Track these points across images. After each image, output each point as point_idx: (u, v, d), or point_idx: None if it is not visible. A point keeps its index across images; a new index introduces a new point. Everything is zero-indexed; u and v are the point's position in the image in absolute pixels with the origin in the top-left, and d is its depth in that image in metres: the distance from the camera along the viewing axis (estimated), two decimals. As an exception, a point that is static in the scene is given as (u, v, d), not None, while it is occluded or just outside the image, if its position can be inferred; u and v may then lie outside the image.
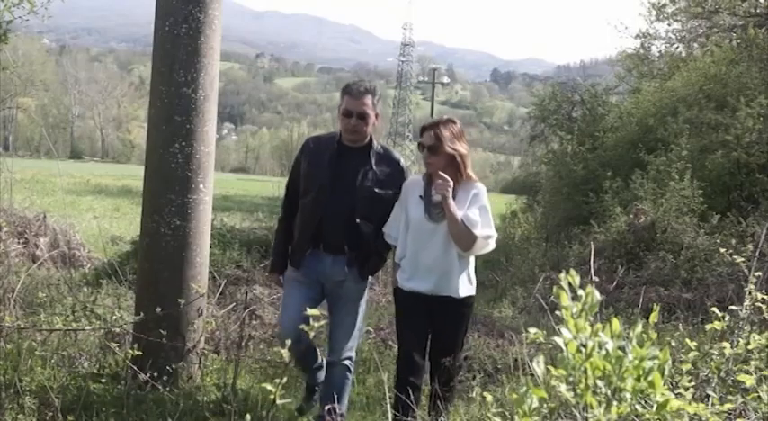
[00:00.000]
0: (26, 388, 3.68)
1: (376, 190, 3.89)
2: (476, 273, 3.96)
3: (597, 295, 1.26)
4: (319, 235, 3.89)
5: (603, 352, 1.21)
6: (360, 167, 3.89)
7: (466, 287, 3.87)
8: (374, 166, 3.91)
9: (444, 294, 3.82)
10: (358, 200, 3.86)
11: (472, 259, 3.94)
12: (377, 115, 3.92)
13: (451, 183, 3.69)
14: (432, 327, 3.84)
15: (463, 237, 3.72)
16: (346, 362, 4.01)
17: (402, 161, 4.06)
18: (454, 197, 3.75)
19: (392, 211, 3.99)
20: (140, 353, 3.93)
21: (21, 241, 7.65)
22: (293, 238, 4.02)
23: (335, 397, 3.90)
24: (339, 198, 3.86)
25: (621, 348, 1.22)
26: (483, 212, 3.77)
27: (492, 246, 3.87)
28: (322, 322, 1.98)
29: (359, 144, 3.93)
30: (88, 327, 4.47)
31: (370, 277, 4.08)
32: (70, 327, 4.33)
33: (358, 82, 4.02)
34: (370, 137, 3.97)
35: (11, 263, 5.18)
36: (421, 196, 3.85)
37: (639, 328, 1.24)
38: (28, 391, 3.67)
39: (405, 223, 3.90)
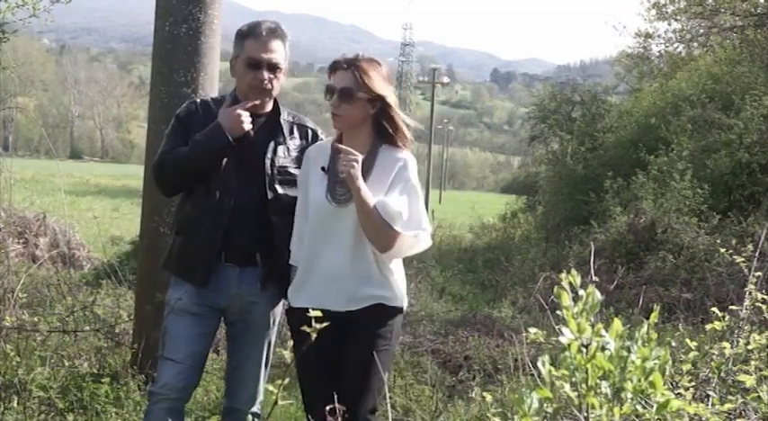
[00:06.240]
0: (26, 388, 3.68)
1: (291, 170, 2.83)
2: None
3: (598, 295, 1.26)
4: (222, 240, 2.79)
5: (607, 352, 1.21)
6: (268, 141, 2.82)
7: (388, 295, 2.68)
8: (287, 140, 2.86)
9: (355, 309, 2.64)
10: (270, 187, 2.79)
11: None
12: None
13: (360, 157, 2.58)
14: (339, 363, 2.66)
15: (378, 232, 2.58)
16: (255, 408, 2.95)
17: (319, 130, 2.98)
18: (370, 171, 2.63)
19: (294, 213, 2.80)
20: (140, 353, 3.93)
21: (20, 241, 7.67)
22: (180, 244, 2.88)
23: None
24: (245, 186, 2.79)
25: (627, 348, 1.22)
26: (412, 196, 2.65)
27: (425, 244, 2.71)
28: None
29: (264, 110, 2.86)
30: (88, 327, 4.47)
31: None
32: (70, 327, 4.32)
33: (262, 21, 2.85)
34: (275, 100, 2.90)
35: (10, 263, 5.17)
36: (323, 168, 2.69)
37: (645, 329, 1.24)
38: (28, 391, 3.67)
39: (303, 208, 2.76)
